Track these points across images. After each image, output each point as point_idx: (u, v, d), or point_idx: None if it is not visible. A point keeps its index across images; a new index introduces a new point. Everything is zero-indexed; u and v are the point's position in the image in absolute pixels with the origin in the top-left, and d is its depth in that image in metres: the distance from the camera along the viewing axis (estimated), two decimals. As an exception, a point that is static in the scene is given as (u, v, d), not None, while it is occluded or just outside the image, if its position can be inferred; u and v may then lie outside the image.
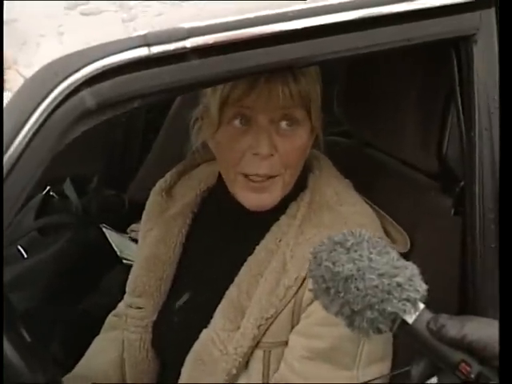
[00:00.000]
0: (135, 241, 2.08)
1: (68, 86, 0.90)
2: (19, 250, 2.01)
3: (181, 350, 1.36)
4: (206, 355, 1.31)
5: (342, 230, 1.23)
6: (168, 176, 1.53)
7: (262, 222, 1.33)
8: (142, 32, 0.94)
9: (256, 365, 1.29)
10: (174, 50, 0.95)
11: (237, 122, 1.27)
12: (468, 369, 0.87)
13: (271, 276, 1.28)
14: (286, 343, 1.28)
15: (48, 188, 2.16)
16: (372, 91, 1.52)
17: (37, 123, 0.89)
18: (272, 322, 1.27)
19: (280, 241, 1.31)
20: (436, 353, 0.89)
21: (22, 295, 1.91)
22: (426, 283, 0.91)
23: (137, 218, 2.23)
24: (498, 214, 1.18)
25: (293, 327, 1.28)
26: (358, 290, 0.90)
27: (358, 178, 1.49)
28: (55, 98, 0.89)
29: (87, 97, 0.92)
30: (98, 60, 0.91)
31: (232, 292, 1.32)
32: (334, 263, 0.92)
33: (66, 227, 2.04)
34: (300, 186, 1.35)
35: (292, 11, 1.01)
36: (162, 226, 1.47)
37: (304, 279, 1.25)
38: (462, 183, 1.27)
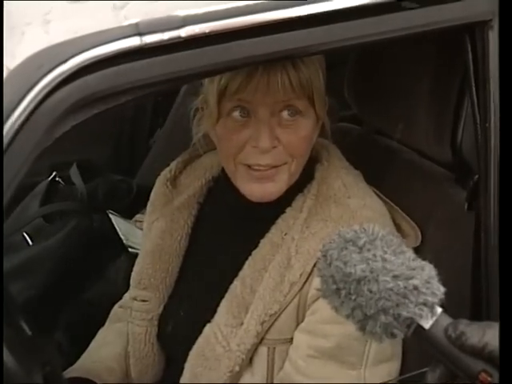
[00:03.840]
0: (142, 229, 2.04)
1: (54, 79, 0.85)
2: (24, 237, 1.98)
3: (185, 345, 1.33)
4: (209, 351, 1.28)
5: (349, 224, 1.20)
6: (173, 165, 1.49)
7: (268, 214, 1.29)
8: (133, 20, 0.88)
9: (260, 362, 1.26)
10: (167, 40, 0.89)
11: (236, 114, 1.23)
12: (489, 379, 0.82)
13: (275, 271, 1.24)
14: (291, 340, 1.25)
15: (54, 174, 2.12)
16: (383, 77, 1.47)
17: (21, 118, 0.85)
18: (276, 319, 1.24)
19: (286, 234, 1.27)
20: (455, 361, 0.83)
21: (26, 282, 1.89)
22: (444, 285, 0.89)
23: (145, 204, 2.20)
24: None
25: (298, 324, 1.24)
26: (371, 292, 0.83)
27: (369, 167, 1.44)
28: (40, 92, 0.85)
29: (75, 90, 0.87)
30: (86, 50, 0.86)
31: (236, 287, 1.29)
32: (345, 263, 0.85)
33: (71, 214, 2.00)
34: (307, 177, 1.30)
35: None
36: (168, 218, 1.43)
37: (309, 275, 1.22)
38: (477, 176, 1.21)
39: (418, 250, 1.30)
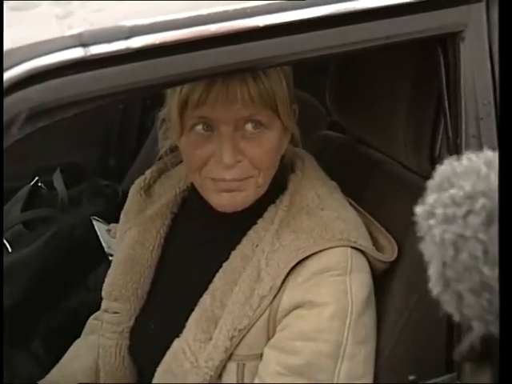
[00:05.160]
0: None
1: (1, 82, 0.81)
2: (4, 244, 1.94)
3: (155, 359, 1.29)
4: (177, 367, 1.24)
5: (321, 237, 1.18)
6: (148, 173, 1.46)
7: (239, 225, 1.26)
8: (77, 30, 0.84)
9: (229, 378, 1.22)
10: (114, 52, 0.85)
11: (199, 128, 1.19)
12: None
13: (245, 284, 1.21)
14: (261, 356, 1.21)
15: (36, 179, 2.09)
16: (363, 88, 1.44)
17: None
18: (245, 334, 1.20)
19: (256, 246, 1.23)
20: None
21: (5, 290, 1.85)
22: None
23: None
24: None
25: (268, 339, 1.21)
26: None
27: (350, 176, 1.42)
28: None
29: (15, 102, 0.83)
30: (26, 61, 0.83)
31: (205, 300, 1.25)
32: None
33: (51, 221, 1.97)
34: (280, 187, 1.27)
35: (251, 7, 0.91)
36: (140, 227, 1.40)
37: (279, 289, 1.18)
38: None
39: (396, 263, 1.28)
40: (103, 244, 1.97)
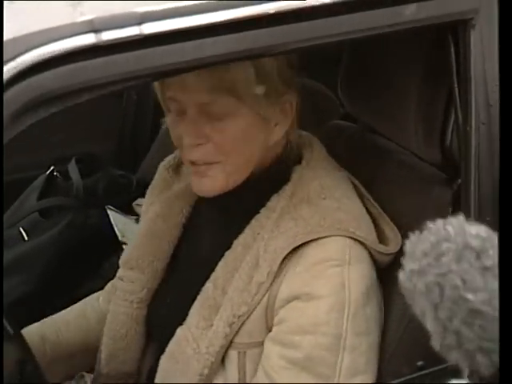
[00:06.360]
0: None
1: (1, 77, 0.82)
2: (20, 232, 1.97)
3: (166, 335, 1.30)
4: (180, 353, 1.26)
5: (319, 225, 1.19)
6: (177, 152, 1.46)
7: (243, 214, 1.27)
8: (89, 17, 0.86)
9: (231, 367, 1.23)
10: (126, 38, 0.86)
11: (173, 110, 1.24)
12: None
13: (244, 272, 1.22)
14: (262, 344, 1.22)
15: (52, 168, 2.11)
16: (375, 77, 1.43)
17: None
18: (245, 321, 1.21)
19: (258, 234, 1.24)
20: None
21: (20, 278, 1.88)
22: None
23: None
24: (498, 215, 1.08)
25: (267, 327, 1.21)
26: (481, 329, 0.70)
27: (361, 166, 1.43)
28: (-13, 90, 0.82)
29: (27, 88, 0.84)
30: (37, 47, 0.84)
31: (208, 288, 1.26)
32: (464, 282, 0.70)
33: (67, 210, 1.99)
34: (284, 178, 1.27)
35: (261, -6, 0.91)
36: (164, 203, 1.42)
37: (276, 274, 1.19)
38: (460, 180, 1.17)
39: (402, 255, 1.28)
40: (117, 233, 1.99)
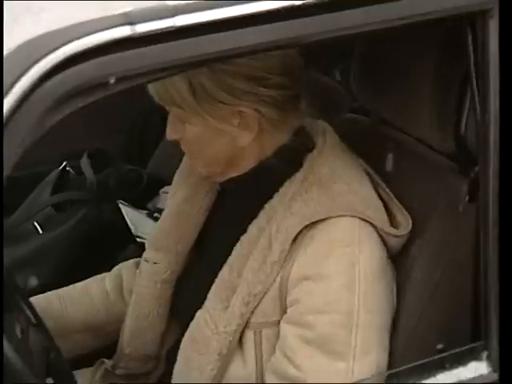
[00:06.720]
0: (153, 218, 2.06)
1: (44, 68, 0.85)
2: (35, 226, 2.00)
3: (190, 316, 1.35)
4: (199, 335, 1.31)
5: (329, 206, 1.23)
6: None
7: (258, 200, 1.31)
8: (124, 10, 0.88)
9: (248, 346, 1.28)
10: (159, 29, 0.89)
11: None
12: None
13: (259, 253, 1.26)
14: (277, 323, 1.26)
15: (65, 163, 2.14)
16: (388, 69, 1.45)
17: (12, 107, 0.85)
18: (260, 301, 1.25)
19: (271, 218, 1.28)
20: None
21: (35, 271, 1.91)
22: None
23: (156, 194, 2.22)
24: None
25: (282, 307, 1.25)
26: None
27: (375, 157, 1.45)
28: (31, 80, 0.85)
29: (67, 78, 0.87)
30: (76, 40, 0.87)
31: (224, 272, 1.31)
32: None
33: (80, 204, 2.02)
34: (296, 165, 1.31)
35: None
36: (190, 187, 1.47)
37: (288, 253, 1.23)
38: (477, 168, 1.20)
39: (420, 238, 1.31)
40: (130, 226, 2.02)
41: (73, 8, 0.91)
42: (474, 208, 1.24)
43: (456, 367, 1.11)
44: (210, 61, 0.97)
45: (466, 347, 1.15)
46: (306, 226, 1.23)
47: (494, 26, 1.06)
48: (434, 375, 1.10)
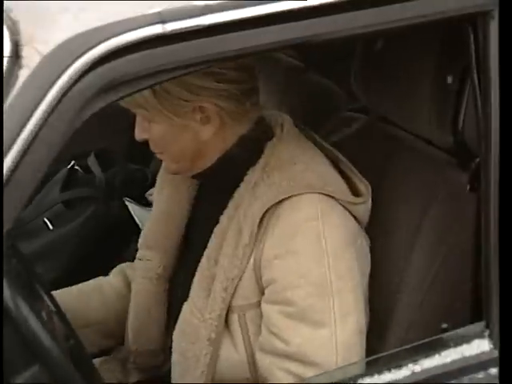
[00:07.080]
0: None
1: (84, 64, 0.92)
2: (45, 222, 2.05)
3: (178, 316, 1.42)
4: (188, 325, 1.37)
5: (290, 186, 1.29)
6: None
7: (227, 191, 1.38)
8: (157, 9, 0.95)
9: (235, 329, 1.34)
10: (189, 28, 0.96)
11: None
12: None
13: (231, 239, 1.33)
14: (257, 305, 1.32)
15: (73, 162, 2.20)
16: (389, 67, 1.50)
17: (54, 100, 0.91)
18: (238, 284, 1.32)
19: (239, 206, 1.35)
20: None
21: (46, 266, 1.96)
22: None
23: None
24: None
25: (259, 288, 1.32)
26: None
27: (374, 154, 1.52)
28: (71, 76, 0.92)
29: (104, 74, 0.94)
30: (113, 37, 0.93)
31: (203, 262, 1.38)
32: None
33: (89, 200, 2.08)
34: (257, 153, 1.37)
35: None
36: (173, 186, 1.54)
37: (257, 234, 1.30)
38: (478, 159, 1.26)
39: (421, 232, 1.38)
40: (138, 222, 2.08)
41: (108, 8, 0.97)
42: (473, 197, 1.31)
43: (460, 345, 1.17)
44: (236, 57, 1.04)
45: (469, 326, 1.21)
46: (271, 207, 1.30)
47: (494, 27, 1.12)
48: (439, 352, 1.16)
